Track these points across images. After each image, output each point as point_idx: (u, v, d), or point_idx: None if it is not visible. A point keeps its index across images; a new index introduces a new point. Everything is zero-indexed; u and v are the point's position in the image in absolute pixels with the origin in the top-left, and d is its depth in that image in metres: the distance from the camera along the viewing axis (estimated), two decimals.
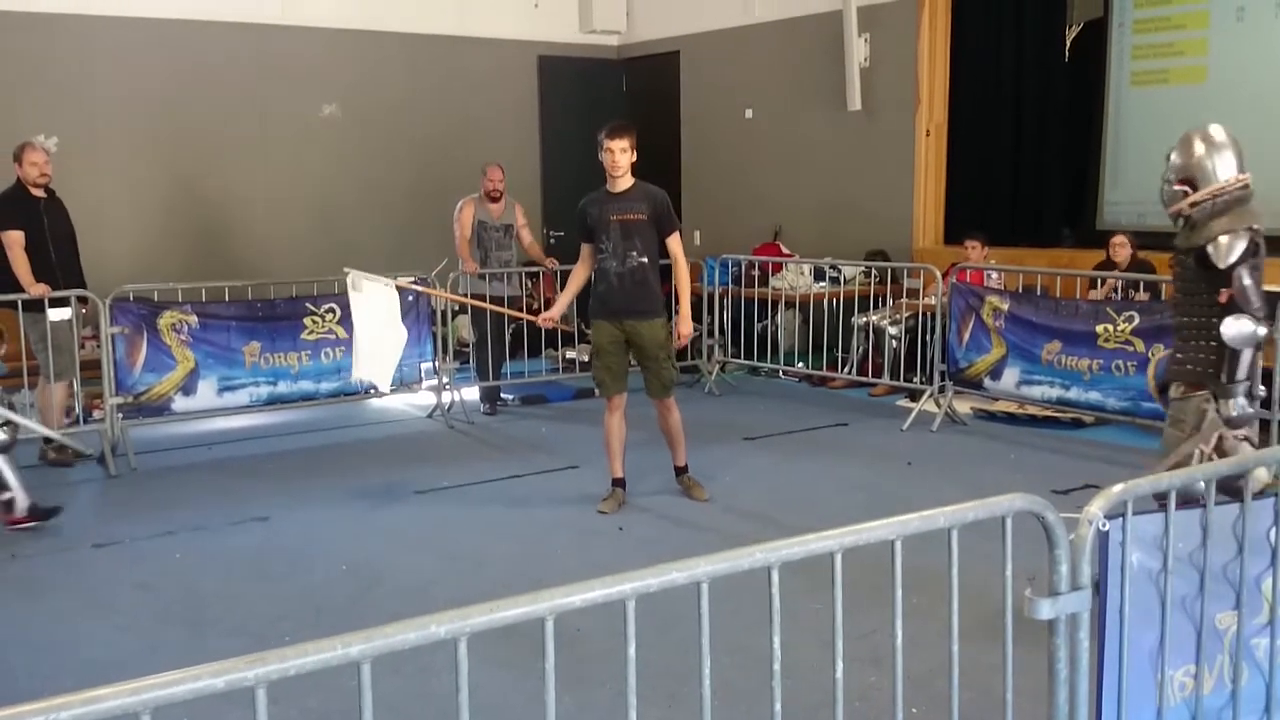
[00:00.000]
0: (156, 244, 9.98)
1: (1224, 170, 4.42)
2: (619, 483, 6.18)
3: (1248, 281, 4.29)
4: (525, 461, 7.08)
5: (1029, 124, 10.59)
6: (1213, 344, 4.38)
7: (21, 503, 5.73)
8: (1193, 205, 4.45)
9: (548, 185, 11.92)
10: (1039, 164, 10.55)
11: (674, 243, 6.09)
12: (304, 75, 10.71)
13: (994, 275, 8.50)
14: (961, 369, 7.90)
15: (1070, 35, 10.33)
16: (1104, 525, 2.35)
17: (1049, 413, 7.72)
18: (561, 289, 6.76)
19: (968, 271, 8.36)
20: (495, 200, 8.71)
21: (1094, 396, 7.21)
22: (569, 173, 11.83)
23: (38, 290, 6.94)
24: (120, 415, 7.19)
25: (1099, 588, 2.38)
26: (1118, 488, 2.37)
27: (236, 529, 5.88)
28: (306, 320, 7.81)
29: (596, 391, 6.24)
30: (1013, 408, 7.97)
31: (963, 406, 8.12)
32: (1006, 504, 2.31)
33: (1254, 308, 4.26)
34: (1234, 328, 4.23)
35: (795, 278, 9.85)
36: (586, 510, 6.06)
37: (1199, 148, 4.48)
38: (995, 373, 7.74)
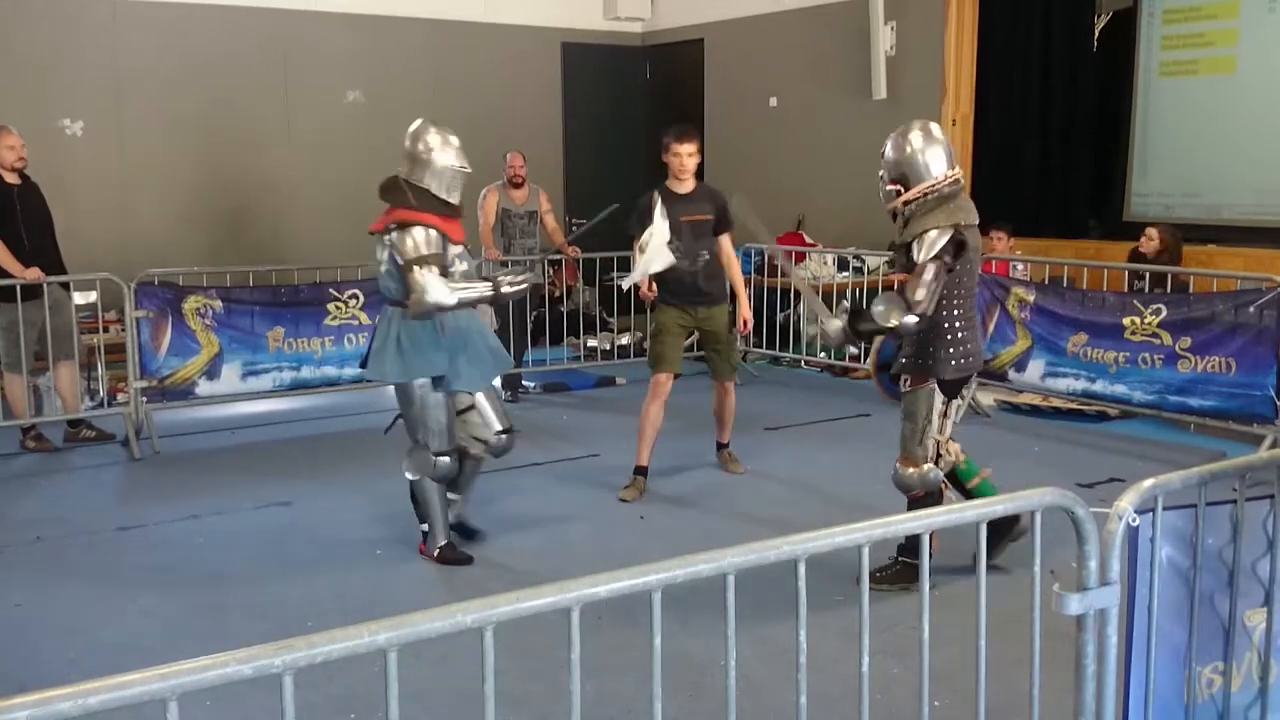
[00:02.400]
0: (181, 228, 10.02)
1: (935, 167, 4.57)
2: (642, 471, 6.20)
3: (928, 277, 4.45)
4: (546, 449, 7.07)
5: (1056, 114, 10.52)
6: (938, 334, 4.54)
7: (438, 539, 5.10)
8: (905, 203, 4.60)
9: (570, 172, 11.91)
10: (1066, 155, 10.49)
11: (726, 240, 6.34)
12: (329, 61, 10.72)
13: (1019, 266, 8.44)
14: (986, 360, 7.84)
15: (1099, 25, 10.25)
16: (1134, 520, 2.32)
17: (1074, 405, 7.67)
18: (582, 276, 6.87)
19: (993, 262, 8.31)
20: (518, 187, 8.71)
21: (1120, 390, 7.16)
22: (592, 160, 11.82)
23: (30, 275, 6.88)
24: (144, 399, 7.22)
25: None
26: (1148, 482, 2.34)
27: (259, 513, 5.91)
28: (330, 306, 7.82)
29: (651, 368, 6.29)
30: (1037, 400, 7.92)
31: (986, 398, 8.07)
32: (1036, 498, 2.29)
33: (914, 298, 4.41)
34: (886, 315, 4.45)
35: (819, 267, 9.81)
36: (608, 498, 6.06)
37: (909, 145, 4.60)
38: (1020, 365, 7.69)
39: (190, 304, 7.35)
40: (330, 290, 7.89)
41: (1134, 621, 2.40)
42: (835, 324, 4.71)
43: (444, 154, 4.97)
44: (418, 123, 5.06)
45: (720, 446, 6.67)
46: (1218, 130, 9.56)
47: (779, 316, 9.58)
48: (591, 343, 9.80)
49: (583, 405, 8.61)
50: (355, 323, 7.90)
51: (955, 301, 4.60)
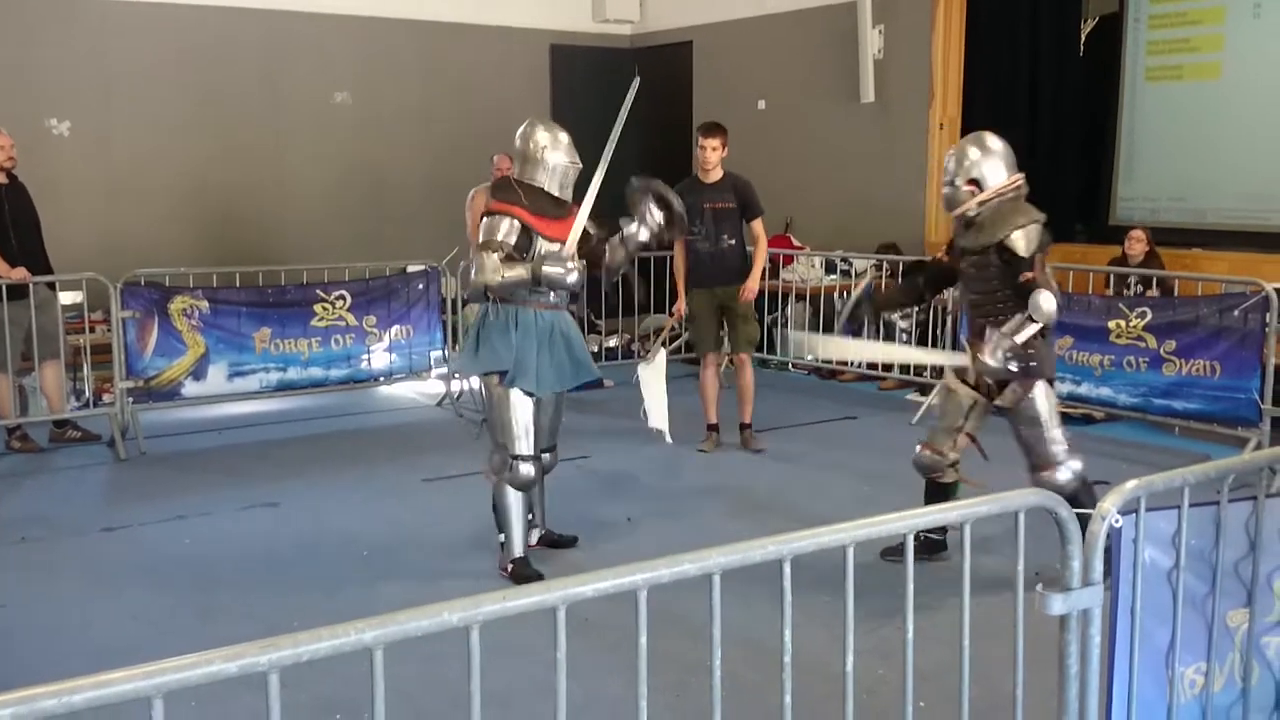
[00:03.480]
0: (168, 229, 10.00)
1: (995, 176, 4.70)
2: (714, 427, 7.07)
3: (1043, 273, 4.60)
4: None
5: (1043, 118, 10.55)
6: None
7: (513, 551, 4.96)
8: (980, 204, 4.69)
9: None
10: (1052, 159, 10.51)
11: (757, 225, 7.09)
12: (316, 62, 10.71)
13: None
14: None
15: (1085, 29, 10.30)
16: (1117, 521, 2.34)
17: (1059, 408, 7.67)
18: None
19: None
20: None
21: (1105, 392, 7.18)
22: (580, 162, 11.81)
23: (16, 275, 6.85)
24: (130, 399, 7.20)
25: (1110, 576, 2.37)
26: (1131, 484, 2.36)
27: (246, 514, 5.90)
28: (317, 307, 7.82)
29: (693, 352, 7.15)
30: None
31: None
32: (1020, 499, 2.31)
33: (1052, 286, 4.53)
34: (1049, 302, 4.40)
35: (806, 270, 9.83)
36: (595, 500, 6.07)
37: (975, 153, 4.74)
38: None
39: (177, 304, 7.33)
40: (317, 291, 7.88)
41: (1117, 622, 2.42)
42: (994, 360, 4.50)
43: (555, 152, 4.96)
44: (526, 123, 5.07)
45: (743, 427, 7.16)
46: (1203, 135, 9.60)
47: (766, 319, 9.59)
48: None
49: (572, 407, 8.58)
50: (342, 324, 7.89)
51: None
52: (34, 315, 6.99)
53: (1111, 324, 7.09)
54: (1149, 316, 6.96)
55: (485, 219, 4.87)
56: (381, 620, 1.69)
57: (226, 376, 7.53)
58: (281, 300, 7.79)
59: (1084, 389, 7.29)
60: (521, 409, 4.85)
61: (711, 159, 6.81)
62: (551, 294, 4.86)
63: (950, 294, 7.94)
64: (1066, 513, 2.27)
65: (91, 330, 7.79)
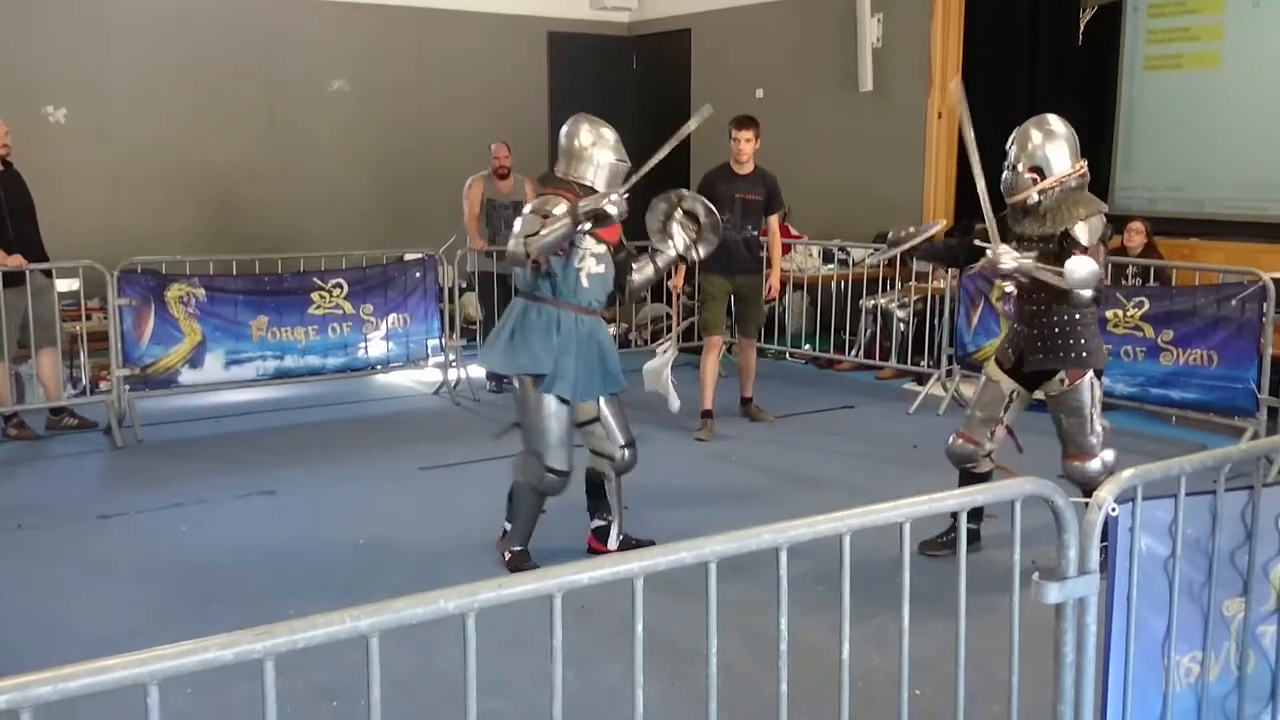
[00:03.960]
0: (164, 216, 9.99)
1: (1059, 161, 4.60)
2: (708, 414, 7.13)
3: (1102, 259, 4.56)
4: None
5: (1041, 108, 10.47)
6: (1081, 325, 4.62)
7: (514, 543, 4.92)
8: (1041, 192, 4.59)
9: (557, 162, 11.88)
10: None
11: (775, 220, 7.46)
12: (314, 49, 10.69)
13: None
14: (969, 353, 7.88)
15: (1084, 18, 10.28)
16: (1113, 510, 2.34)
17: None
18: None
19: None
20: (503, 178, 8.69)
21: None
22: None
23: (12, 262, 6.83)
24: (127, 387, 7.19)
25: (1105, 565, 2.37)
26: (1127, 473, 2.36)
27: (243, 502, 5.89)
28: (314, 295, 7.80)
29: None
30: None
31: (969, 390, 8.08)
32: (1016, 488, 2.31)
33: (1099, 267, 4.35)
34: (1083, 268, 4.23)
35: (804, 259, 9.82)
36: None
37: (1038, 137, 4.64)
38: None
39: (173, 292, 7.32)
40: (314, 279, 7.87)
41: (1113, 611, 2.42)
42: (1004, 260, 4.43)
43: (602, 150, 4.86)
44: (571, 120, 4.97)
45: (745, 401, 7.56)
46: (1202, 125, 9.59)
47: (764, 308, 9.57)
48: None
49: None
50: (339, 312, 7.88)
51: (1098, 292, 4.58)
52: (30, 303, 6.97)
53: (1109, 313, 7.09)
54: (1146, 306, 6.96)
55: (536, 199, 4.78)
56: (377, 608, 1.69)
57: (223, 364, 7.52)
58: (278, 288, 7.77)
59: None
60: (557, 418, 4.73)
61: (746, 150, 7.13)
62: (592, 300, 4.81)
63: (948, 279, 7.96)
64: (1063, 502, 2.27)
65: (88, 318, 7.78)
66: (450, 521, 5.58)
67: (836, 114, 10.47)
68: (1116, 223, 8.82)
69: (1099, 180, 10.27)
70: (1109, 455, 4.77)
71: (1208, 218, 9.44)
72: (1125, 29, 10.03)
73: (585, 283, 4.77)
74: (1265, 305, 6.39)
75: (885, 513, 2.19)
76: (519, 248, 4.59)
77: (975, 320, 7.83)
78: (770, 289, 7.50)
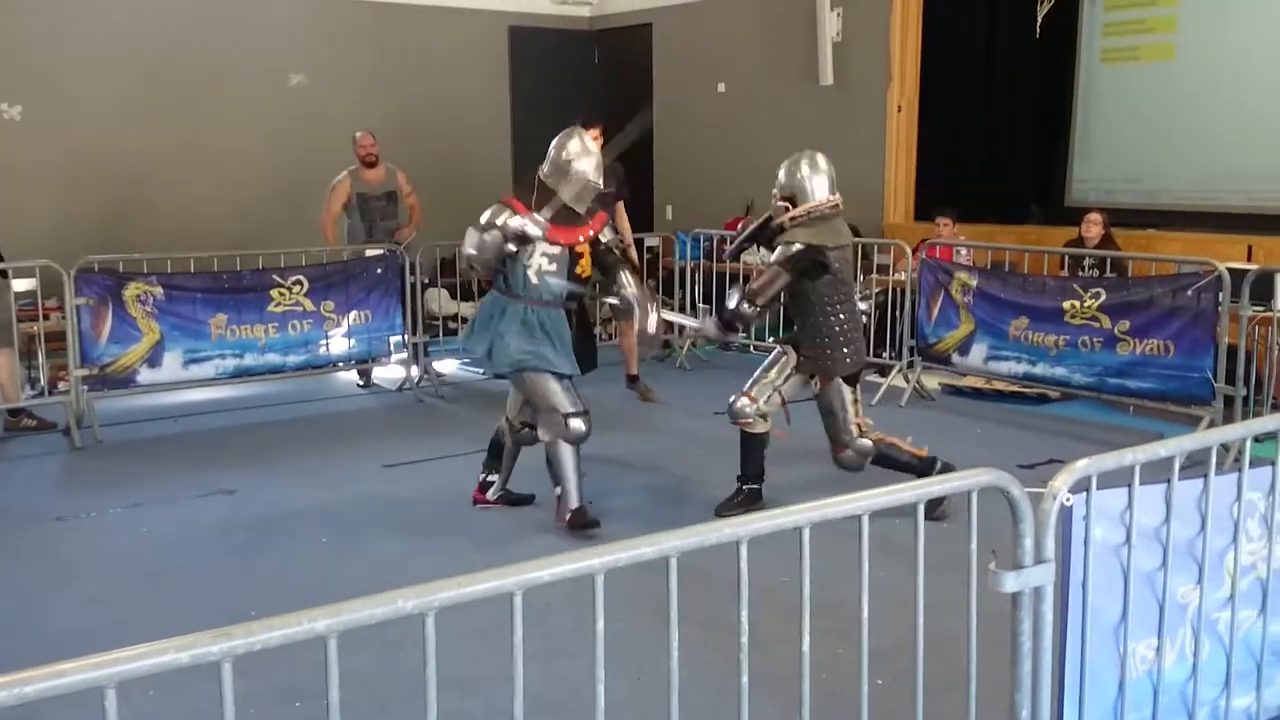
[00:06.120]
0: (122, 214, 9.88)
1: (819, 191, 5.27)
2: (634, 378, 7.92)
3: (767, 279, 5.26)
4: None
5: (1000, 101, 10.62)
6: (830, 337, 5.27)
7: (570, 502, 5.26)
8: (793, 219, 5.27)
9: (519, 158, 11.86)
10: (1009, 141, 10.59)
11: (620, 206, 7.70)
12: (273, 44, 10.60)
13: (963, 251, 8.53)
14: (930, 344, 7.94)
15: (1042, 11, 10.36)
16: (1068, 500, 2.37)
17: (1015, 388, 7.78)
18: None
19: (937, 247, 8.40)
20: (371, 166, 8.62)
21: (1060, 372, 7.26)
22: (541, 145, 11.69)
23: None
24: (85, 387, 7.12)
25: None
26: (1081, 463, 2.39)
27: (203, 502, 5.85)
28: (273, 292, 7.74)
29: None
30: (980, 383, 8.02)
31: (931, 382, 8.16)
32: (973, 479, 2.33)
33: (753, 288, 5.24)
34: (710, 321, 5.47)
35: (767, 253, 9.84)
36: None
37: (802, 170, 5.30)
38: (963, 348, 7.77)
39: (131, 291, 7.24)
40: (274, 277, 7.81)
41: (1068, 599, 2.45)
42: (708, 322, 5.57)
43: (582, 162, 5.23)
44: (564, 132, 5.38)
45: (631, 379, 7.96)
46: (1158, 116, 9.70)
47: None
48: None
49: None
50: (299, 309, 7.83)
51: (838, 309, 5.30)
52: None
53: (1066, 304, 7.16)
54: (1103, 297, 7.03)
55: (492, 208, 5.18)
56: (335, 609, 1.69)
57: (182, 363, 7.45)
58: (237, 285, 7.71)
59: (1039, 369, 7.36)
60: (556, 380, 5.24)
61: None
62: (544, 294, 5.21)
63: (909, 272, 8.02)
64: (1018, 492, 2.30)
65: (45, 318, 7.66)
66: (414, 519, 5.56)
67: (797, 107, 10.50)
68: (1074, 214, 8.92)
69: (1057, 172, 10.40)
70: (863, 443, 5.37)
71: (1164, 209, 9.55)
72: (1082, 22, 10.13)
73: (534, 279, 5.19)
74: (1221, 295, 6.47)
75: (845, 505, 2.21)
76: (462, 261, 5.23)
77: (936, 312, 7.89)
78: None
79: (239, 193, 10.51)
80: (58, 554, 5.15)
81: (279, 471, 6.37)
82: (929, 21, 10.07)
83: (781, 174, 5.34)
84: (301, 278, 7.84)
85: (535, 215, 5.10)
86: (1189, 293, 6.65)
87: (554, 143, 5.32)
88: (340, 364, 8.23)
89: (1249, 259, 8.01)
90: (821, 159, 5.36)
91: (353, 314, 8.07)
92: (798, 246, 5.21)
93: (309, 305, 7.83)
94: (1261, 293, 6.62)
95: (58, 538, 5.36)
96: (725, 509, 5.41)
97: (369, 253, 8.43)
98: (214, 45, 10.32)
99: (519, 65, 12.01)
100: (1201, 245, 8.03)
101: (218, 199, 10.41)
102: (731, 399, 5.50)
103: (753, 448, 5.52)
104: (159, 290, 7.34)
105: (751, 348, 9.69)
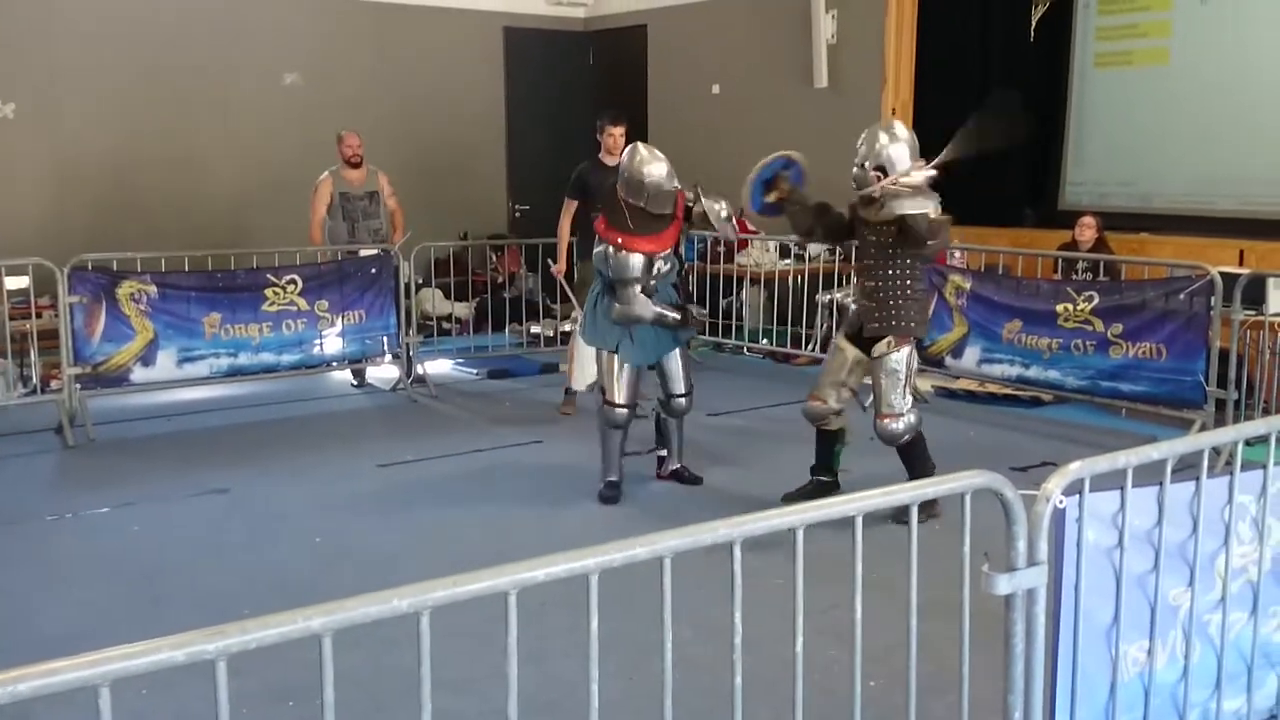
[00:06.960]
0: (116, 213, 9.85)
1: (900, 161, 5.31)
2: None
3: (944, 220, 5.31)
4: (490, 436, 7.06)
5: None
6: (912, 300, 5.32)
7: (606, 475, 5.84)
8: (884, 188, 5.25)
9: (514, 158, 11.86)
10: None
11: None
12: (267, 43, 10.58)
13: (957, 254, 8.54)
14: (924, 347, 7.94)
15: (1036, 15, 10.39)
16: (1061, 502, 2.37)
17: (1009, 391, 7.79)
18: (525, 262, 7.17)
19: None
20: (355, 167, 8.51)
21: (1053, 375, 7.27)
22: (535, 146, 11.77)
23: None
24: (78, 386, 7.10)
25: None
26: (1074, 465, 2.39)
27: (196, 501, 5.84)
28: (268, 291, 7.73)
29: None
30: (973, 386, 8.04)
31: (924, 384, 8.15)
32: (966, 481, 2.33)
33: (933, 224, 5.16)
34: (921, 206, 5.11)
35: (760, 254, 9.86)
36: (551, 484, 6.07)
37: (884, 138, 5.35)
38: (957, 351, 7.79)
39: (124, 289, 7.23)
40: (268, 276, 7.80)
41: (1061, 601, 2.46)
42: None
43: (653, 168, 5.73)
44: (628, 149, 5.93)
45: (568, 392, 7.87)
46: (1151, 120, 9.73)
47: (721, 303, 9.62)
48: (535, 329, 9.78)
49: (527, 392, 8.60)
50: (293, 308, 7.82)
51: (919, 276, 5.37)
52: None
53: (1059, 307, 7.18)
54: (1096, 300, 7.04)
55: (616, 255, 5.65)
56: (329, 607, 1.69)
57: (176, 362, 7.44)
58: (231, 285, 7.70)
59: (1032, 372, 7.38)
60: (623, 371, 5.76)
61: (621, 145, 7.15)
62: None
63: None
64: (1012, 494, 2.31)
65: (38, 316, 7.66)
66: (408, 519, 5.56)
67: (792, 109, 10.51)
68: (1067, 218, 8.94)
69: (1050, 176, 10.42)
70: (913, 417, 5.41)
71: (1157, 212, 9.57)
72: (1076, 26, 10.15)
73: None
74: (1213, 299, 6.49)
75: (839, 506, 2.21)
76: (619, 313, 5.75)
77: (929, 315, 7.88)
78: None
79: (234, 191, 10.48)
80: (50, 553, 5.14)
81: (273, 471, 6.36)
82: (923, 24, 10.08)
83: (864, 146, 5.39)
84: (296, 277, 7.83)
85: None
86: (1181, 296, 6.67)
87: (623, 163, 5.82)
88: (334, 364, 8.23)
89: (1241, 263, 8.03)
90: (899, 127, 5.51)
91: (347, 313, 8.06)
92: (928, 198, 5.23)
93: (303, 305, 7.82)
94: (1253, 297, 6.65)
95: (50, 537, 5.35)
96: (793, 497, 5.35)
97: (363, 253, 8.42)
98: (209, 44, 10.30)
99: (514, 66, 12.00)
100: (1194, 249, 8.05)
101: (212, 198, 10.39)
102: (804, 403, 5.67)
103: (825, 442, 5.66)
104: (153, 289, 7.33)
105: (745, 349, 9.70)
